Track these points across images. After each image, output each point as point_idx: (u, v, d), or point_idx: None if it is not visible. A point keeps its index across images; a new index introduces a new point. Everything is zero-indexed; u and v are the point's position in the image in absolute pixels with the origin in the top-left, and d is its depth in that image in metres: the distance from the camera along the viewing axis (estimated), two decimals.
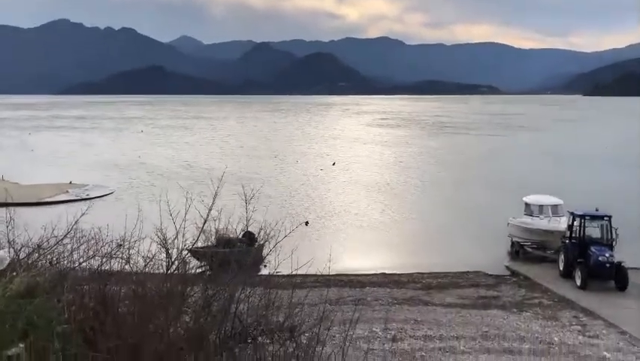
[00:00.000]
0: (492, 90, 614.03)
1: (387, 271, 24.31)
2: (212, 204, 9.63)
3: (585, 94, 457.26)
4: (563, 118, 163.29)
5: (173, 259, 9.56)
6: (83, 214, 11.06)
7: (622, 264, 21.26)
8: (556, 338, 16.64)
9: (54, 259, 10.11)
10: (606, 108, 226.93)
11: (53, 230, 10.52)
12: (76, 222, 10.84)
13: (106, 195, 43.84)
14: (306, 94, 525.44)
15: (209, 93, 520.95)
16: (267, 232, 32.53)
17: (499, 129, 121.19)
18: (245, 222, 34.43)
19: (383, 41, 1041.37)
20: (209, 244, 25.77)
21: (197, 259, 24.95)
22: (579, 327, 17.56)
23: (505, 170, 58.97)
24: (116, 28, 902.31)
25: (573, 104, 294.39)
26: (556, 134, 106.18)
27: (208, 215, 9.76)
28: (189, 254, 25.22)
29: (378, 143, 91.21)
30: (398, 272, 24.05)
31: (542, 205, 27.35)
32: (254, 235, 27.89)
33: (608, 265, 20.92)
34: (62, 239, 10.59)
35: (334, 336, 9.32)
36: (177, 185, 48.35)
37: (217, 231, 26.26)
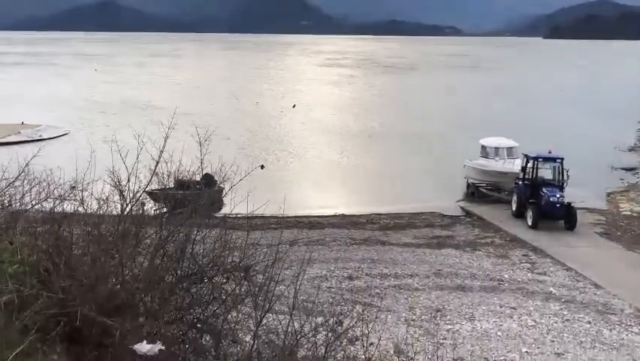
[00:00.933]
0: (455, 31, 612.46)
1: (345, 213, 24.65)
2: (164, 145, 9.43)
3: (545, 37, 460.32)
4: (522, 60, 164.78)
5: (128, 201, 9.45)
6: (34, 156, 10.75)
7: (571, 204, 22.01)
8: (506, 276, 17.35)
9: (5, 201, 9.90)
10: (564, 51, 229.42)
11: (4, 172, 10.25)
12: (27, 164, 10.57)
13: (60, 136, 42.74)
14: (265, 32, 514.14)
15: (163, 30, 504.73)
16: (224, 173, 32.65)
17: (454, 71, 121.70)
18: (201, 165, 34.13)
19: None
20: (166, 186, 25.60)
21: (154, 201, 24.95)
22: (528, 265, 18.31)
23: (460, 111, 59.57)
24: None
25: (531, 46, 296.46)
26: (512, 77, 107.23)
27: (160, 157, 9.56)
28: (145, 196, 25.11)
29: (338, 84, 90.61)
30: (356, 213, 24.42)
31: (498, 147, 27.89)
32: (212, 177, 27.65)
33: (558, 205, 21.64)
34: (14, 181, 10.33)
35: (290, 276, 9.49)
36: (132, 125, 47.85)
37: (175, 173, 26.02)
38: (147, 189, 25.81)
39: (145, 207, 23.60)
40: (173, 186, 25.75)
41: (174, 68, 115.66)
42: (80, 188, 10.10)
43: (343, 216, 24.17)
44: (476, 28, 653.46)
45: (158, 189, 25.29)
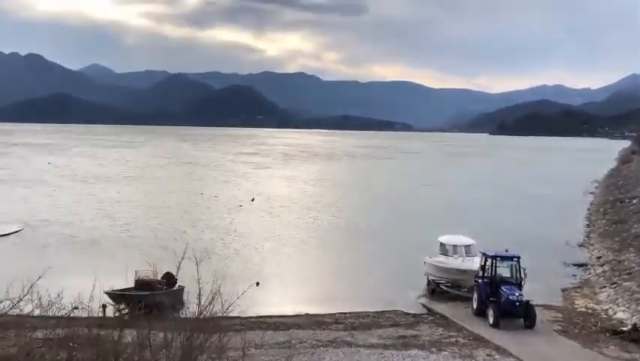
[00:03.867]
0: (405, 127, 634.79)
1: (310, 312, 24.54)
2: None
3: (491, 133, 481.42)
4: (460, 153, 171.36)
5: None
6: None
7: (530, 302, 22.58)
8: None
9: None
10: (506, 145, 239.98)
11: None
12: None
13: (14, 232, 41.75)
14: (223, 126, 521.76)
15: (121, 123, 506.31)
16: (186, 273, 32.27)
17: (416, 167, 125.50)
18: (163, 263, 33.78)
19: (300, 76, 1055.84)
20: (128, 286, 25.16)
21: (116, 303, 24.42)
22: None
23: (418, 206, 61.09)
24: (23, 54, 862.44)
25: (475, 141, 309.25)
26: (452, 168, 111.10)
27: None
28: (108, 297, 24.51)
29: (295, 177, 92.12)
30: (321, 312, 24.35)
31: (456, 245, 28.66)
32: (173, 276, 27.41)
33: (517, 303, 22.16)
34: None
35: None
36: (89, 222, 47.25)
37: (136, 272, 25.70)
38: (107, 290, 25.32)
39: (108, 309, 23.01)
40: (133, 286, 25.57)
41: (131, 161, 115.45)
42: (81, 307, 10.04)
43: (308, 315, 24.03)
44: (425, 124, 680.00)
45: (119, 291, 24.98)
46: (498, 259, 23.76)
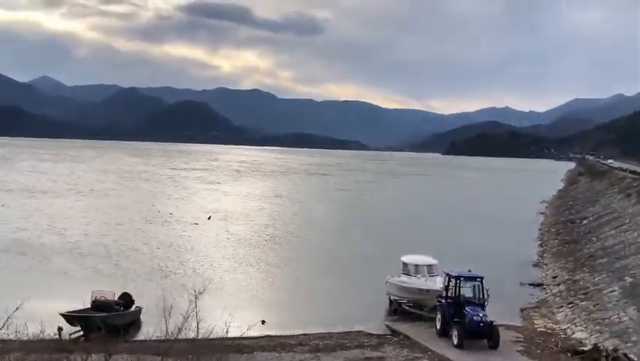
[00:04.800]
0: (359, 146, 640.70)
1: (272, 334, 24.03)
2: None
3: (443, 153, 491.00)
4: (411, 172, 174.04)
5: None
6: None
7: (493, 323, 22.70)
8: None
9: None
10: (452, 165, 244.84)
11: None
12: None
13: None
14: (175, 142, 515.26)
15: (72, 137, 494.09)
16: (142, 292, 31.33)
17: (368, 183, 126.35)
18: (118, 281, 32.75)
19: (255, 93, 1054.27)
20: (84, 307, 24.14)
21: (72, 325, 23.38)
22: None
23: (373, 224, 61.33)
24: None
25: (427, 160, 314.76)
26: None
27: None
28: (63, 319, 23.42)
29: (250, 194, 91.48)
30: (285, 334, 23.88)
31: (418, 265, 28.72)
32: (130, 296, 26.57)
33: (482, 324, 22.24)
34: None
35: None
36: (37, 240, 45.46)
37: (92, 293, 24.73)
38: (63, 311, 24.33)
39: (62, 332, 21.99)
40: (90, 307, 24.56)
41: (77, 177, 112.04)
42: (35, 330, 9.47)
43: (270, 337, 23.54)
44: (379, 143, 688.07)
45: (75, 312, 23.94)
46: (462, 279, 23.86)
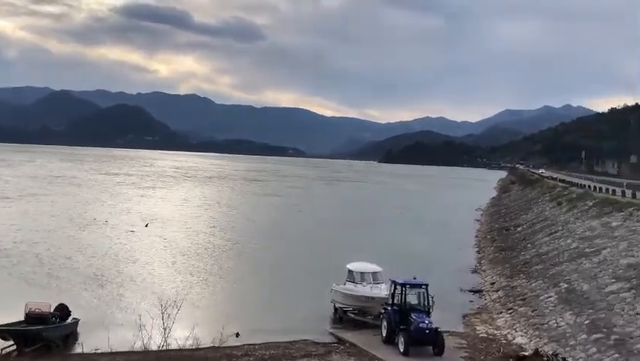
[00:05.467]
0: (298, 153, 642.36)
1: (216, 344, 23.43)
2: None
3: (380, 160, 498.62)
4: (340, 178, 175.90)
5: None
6: None
7: (439, 329, 22.95)
8: None
9: None
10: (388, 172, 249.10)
11: None
12: None
13: None
14: (110, 146, 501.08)
15: (3, 140, 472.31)
16: (78, 303, 30.03)
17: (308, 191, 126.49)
18: (52, 292, 31.30)
19: (193, 98, 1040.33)
20: (17, 320, 22.86)
21: (4, 339, 22.08)
22: None
23: (315, 231, 61.35)
24: None
25: (364, 167, 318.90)
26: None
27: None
28: None
29: (186, 200, 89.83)
30: (229, 344, 23.32)
31: (364, 272, 28.82)
32: (67, 307, 25.41)
33: (427, 331, 22.43)
34: None
35: None
36: None
37: (26, 305, 23.45)
38: None
39: None
40: (24, 319, 23.29)
41: (5, 182, 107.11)
42: None
43: (214, 348, 22.93)
44: (318, 151, 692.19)
45: (7, 326, 22.62)
46: (408, 286, 24.04)
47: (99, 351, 22.11)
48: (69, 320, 24.70)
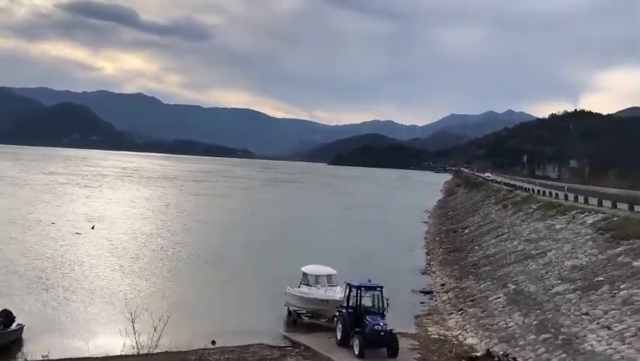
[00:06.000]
0: (247, 154, 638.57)
1: (170, 349, 22.99)
2: None
3: (329, 163, 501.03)
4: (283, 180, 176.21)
5: None
6: None
7: (393, 331, 23.18)
8: None
9: None
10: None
11: None
12: None
13: None
14: (53, 146, 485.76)
15: None
16: (25, 308, 28.94)
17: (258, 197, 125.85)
18: None
19: (140, 98, 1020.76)
20: None
21: None
22: None
23: (261, 232, 61.09)
24: None
25: (313, 169, 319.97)
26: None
27: None
28: None
29: (132, 201, 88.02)
30: (183, 349, 22.91)
31: (318, 275, 28.84)
32: (11, 313, 24.49)
33: (382, 333, 22.61)
34: None
35: None
36: None
37: None
38: None
39: None
40: None
41: None
42: None
43: (168, 353, 22.49)
44: (267, 152, 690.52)
45: None
46: (363, 289, 24.18)
47: (46, 358, 21.38)
48: (13, 326, 23.80)
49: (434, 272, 43.27)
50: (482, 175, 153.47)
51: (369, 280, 24.89)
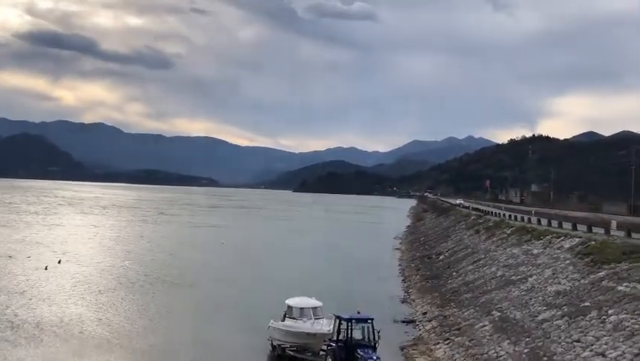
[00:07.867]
0: (211, 183, 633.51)
1: None
2: None
3: (294, 190, 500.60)
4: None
5: None
6: None
7: None
8: None
9: None
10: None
11: None
12: None
13: None
14: (9, 177, 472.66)
15: None
16: None
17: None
18: None
19: (100, 127, 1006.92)
20: None
21: None
22: None
23: (236, 263, 59.93)
24: None
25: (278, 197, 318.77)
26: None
27: None
28: None
29: (97, 233, 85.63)
30: None
31: (304, 308, 28.09)
32: None
33: None
34: None
35: None
36: None
37: None
38: None
39: None
40: None
41: None
42: None
43: None
44: (231, 180, 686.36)
45: None
46: (353, 321, 23.59)
47: None
48: None
49: (414, 300, 42.79)
50: (453, 202, 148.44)
51: (359, 312, 24.34)
